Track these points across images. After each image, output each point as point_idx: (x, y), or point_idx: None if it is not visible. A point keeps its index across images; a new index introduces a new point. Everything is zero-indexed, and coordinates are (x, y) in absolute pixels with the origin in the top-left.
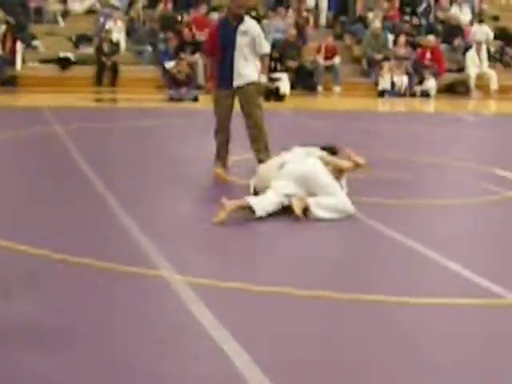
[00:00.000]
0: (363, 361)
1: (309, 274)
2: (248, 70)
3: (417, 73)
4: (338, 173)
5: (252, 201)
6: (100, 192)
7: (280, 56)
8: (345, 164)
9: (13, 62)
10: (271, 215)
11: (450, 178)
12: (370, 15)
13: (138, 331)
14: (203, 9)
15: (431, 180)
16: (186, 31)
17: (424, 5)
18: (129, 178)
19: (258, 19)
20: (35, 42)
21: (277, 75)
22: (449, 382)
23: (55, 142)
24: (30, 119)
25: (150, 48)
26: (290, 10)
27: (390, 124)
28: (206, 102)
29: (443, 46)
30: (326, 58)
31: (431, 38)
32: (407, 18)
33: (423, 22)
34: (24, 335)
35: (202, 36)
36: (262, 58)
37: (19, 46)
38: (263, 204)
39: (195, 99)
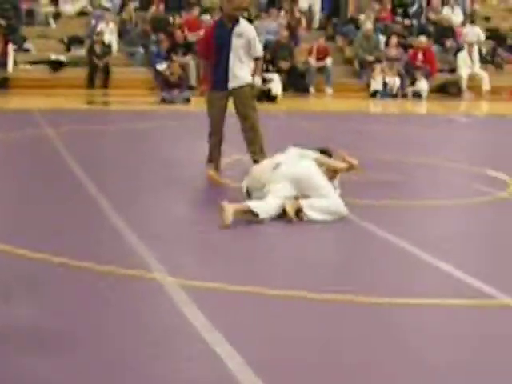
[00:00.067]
0: (356, 362)
1: (301, 275)
2: (243, 71)
3: (408, 74)
4: (331, 174)
5: (253, 204)
6: (92, 195)
7: (272, 57)
8: (339, 165)
9: (4, 64)
10: None
11: (441, 179)
12: (362, 17)
13: (133, 334)
14: (196, 11)
15: (423, 181)
16: (177, 33)
17: (416, 6)
18: (121, 181)
19: (250, 20)
20: (27, 44)
21: (269, 76)
22: (441, 382)
23: (47, 144)
24: (21, 122)
25: (141, 50)
26: (282, 12)
27: (381, 125)
28: (198, 104)
29: (435, 47)
30: (318, 59)
31: (423, 39)
32: (399, 19)
33: (415, 23)
34: (24, 338)
35: (193, 38)
36: (255, 60)
37: (11, 48)
38: (264, 207)
39: (187, 101)
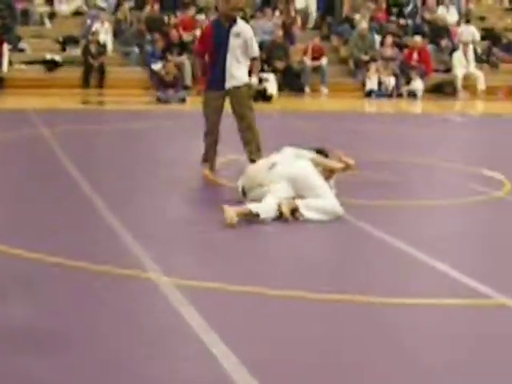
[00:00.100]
0: (352, 362)
1: (297, 276)
2: (240, 71)
3: (404, 73)
4: (327, 174)
5: (253, 206)
6: (87, 194)
7: (267, 57)
8: (335, 165)
9: None
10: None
11: (437, 179)
12: (357, 16)
13: (128, 334)
14: (191, 10)
15: (419, 181)
16: (173, 33)
17: (411, 6)
18: (116, 180)
19: (246, 20)
20: (22, 44)
21: (264, 76)
22: (436, 382)
23: (42, 144)
24: (17, 121)
25: (137, 49)
26: (277, 12)
27: (377, 125)
28: (193, 104)
29: (430, 47)
30: (313, 58)
31: (418, 38)
32: (394, 18)
33: (410, 22)
34: (19, 338)
35: (189, 37)
36: (252, 60)
37: (6, 47)
38: (265, 208)
39: (183, 101)
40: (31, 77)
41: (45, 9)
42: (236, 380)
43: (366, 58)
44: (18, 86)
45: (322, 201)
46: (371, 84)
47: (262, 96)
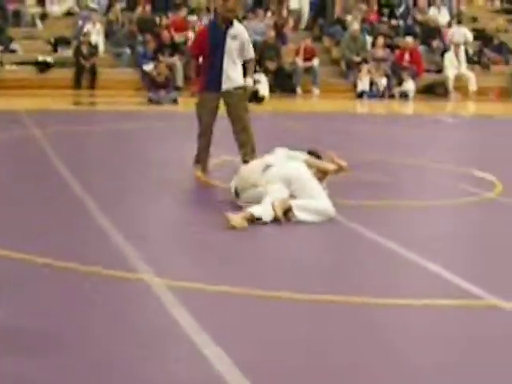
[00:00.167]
0: (344, 363)
1: (289, 276)
2: (236, 73)
3: (395, 74)
4: (320, 175)
5: (254, 210)
6: (78, 195)
7: (259, 58)
8: (329, 167)
9: None
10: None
11: (428, 180)
12: (349, 17)
13: (119, 335)
14: (182, 11)
15: (410, 182)
16: (164, 34)
17: (402, 7)
18: (107, 181)
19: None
20: (13, 45)
21: (255, 77)
22: None
23: (33, 145)
24: (8, 122)
25: (128, 50)
26: (269, 12)
27: (368, 125)
28: (185, 105)
29: (421, 48)
30: (305, 59)
31: (409, 39)
32: (385, 19)
33: (401, 23)
34: (9, 339)
35: (180, 38)
36: (248, 62)
37: None
38: (266, 209)
39: (174, 101)
40: (23, 78)
41: (36, 10)
42: (228, 381)
43: (357, 59)
44: (10, 87)
45: (314, 202)
46: (363, 85)
47: (255, 97)
